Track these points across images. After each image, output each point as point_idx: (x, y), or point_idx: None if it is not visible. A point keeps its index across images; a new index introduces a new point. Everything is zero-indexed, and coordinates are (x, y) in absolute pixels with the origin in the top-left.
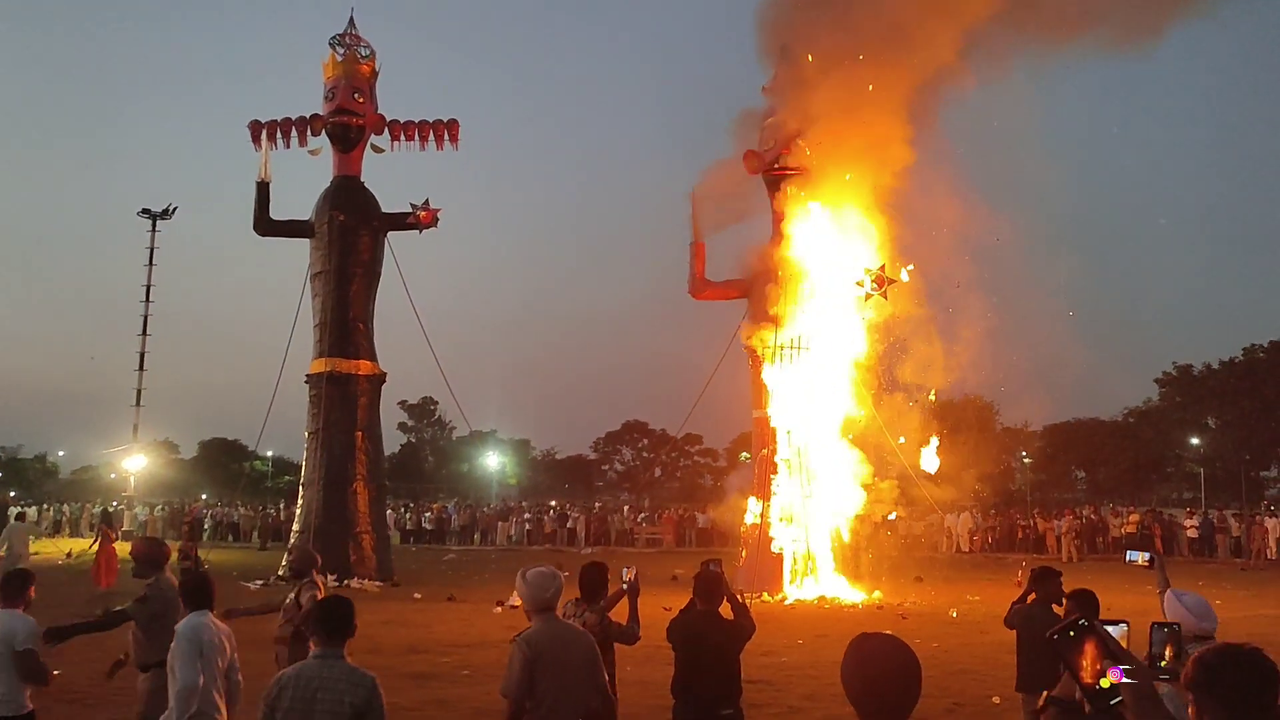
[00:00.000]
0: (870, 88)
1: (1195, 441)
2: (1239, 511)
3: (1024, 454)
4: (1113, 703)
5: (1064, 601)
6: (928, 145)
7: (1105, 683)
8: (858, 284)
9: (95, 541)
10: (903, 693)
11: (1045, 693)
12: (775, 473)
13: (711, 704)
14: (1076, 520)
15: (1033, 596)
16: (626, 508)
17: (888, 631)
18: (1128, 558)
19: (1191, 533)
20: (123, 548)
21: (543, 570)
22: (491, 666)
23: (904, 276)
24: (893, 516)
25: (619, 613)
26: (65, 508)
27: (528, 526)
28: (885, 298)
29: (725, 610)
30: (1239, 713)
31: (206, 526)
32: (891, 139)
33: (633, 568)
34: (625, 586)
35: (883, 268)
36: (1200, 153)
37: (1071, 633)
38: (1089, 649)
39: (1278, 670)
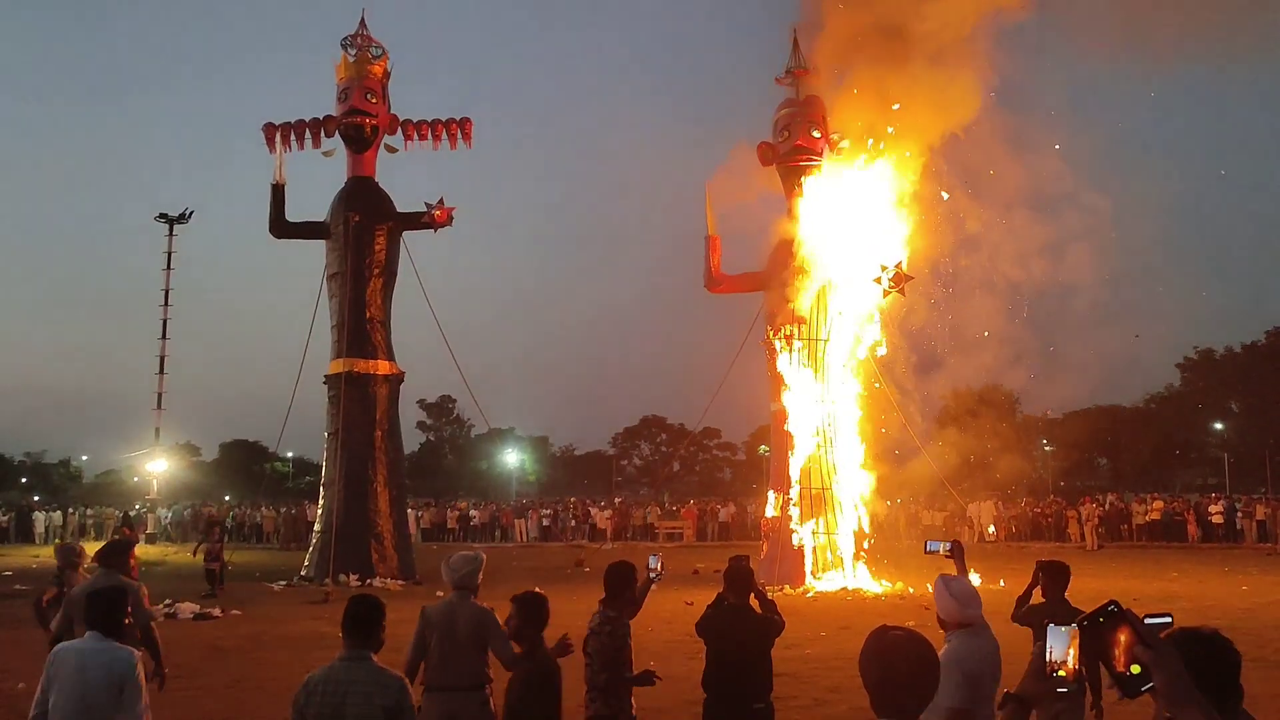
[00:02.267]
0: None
1: (1219, 426)
2: (1264, 496)
3: (1045, 442)
4: (1144, 689)
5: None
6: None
7: (1135, 669)
8: (875, 280)
9: None
10: (919, 685)
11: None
12: (788, 452)
13: (744, 698)
14: (1098, 508)
15: (1040, 591)
16: (650, 504)
17: (910, 623)
18: (927, 548)
19: (1217, 518)
20: (144, 550)
21: (465, 555)
22: None
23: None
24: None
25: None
26: (90, 511)
27: (545, 523)
28: (903, 294)
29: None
30: (1203, 692)
31: (229, 526)
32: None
33: (660, 554)
34: (653, 576)
35: (900, 264)
36: (1216, 133)
37: (1102, 619)
38: (1120, 635)
39: (1236, 651)
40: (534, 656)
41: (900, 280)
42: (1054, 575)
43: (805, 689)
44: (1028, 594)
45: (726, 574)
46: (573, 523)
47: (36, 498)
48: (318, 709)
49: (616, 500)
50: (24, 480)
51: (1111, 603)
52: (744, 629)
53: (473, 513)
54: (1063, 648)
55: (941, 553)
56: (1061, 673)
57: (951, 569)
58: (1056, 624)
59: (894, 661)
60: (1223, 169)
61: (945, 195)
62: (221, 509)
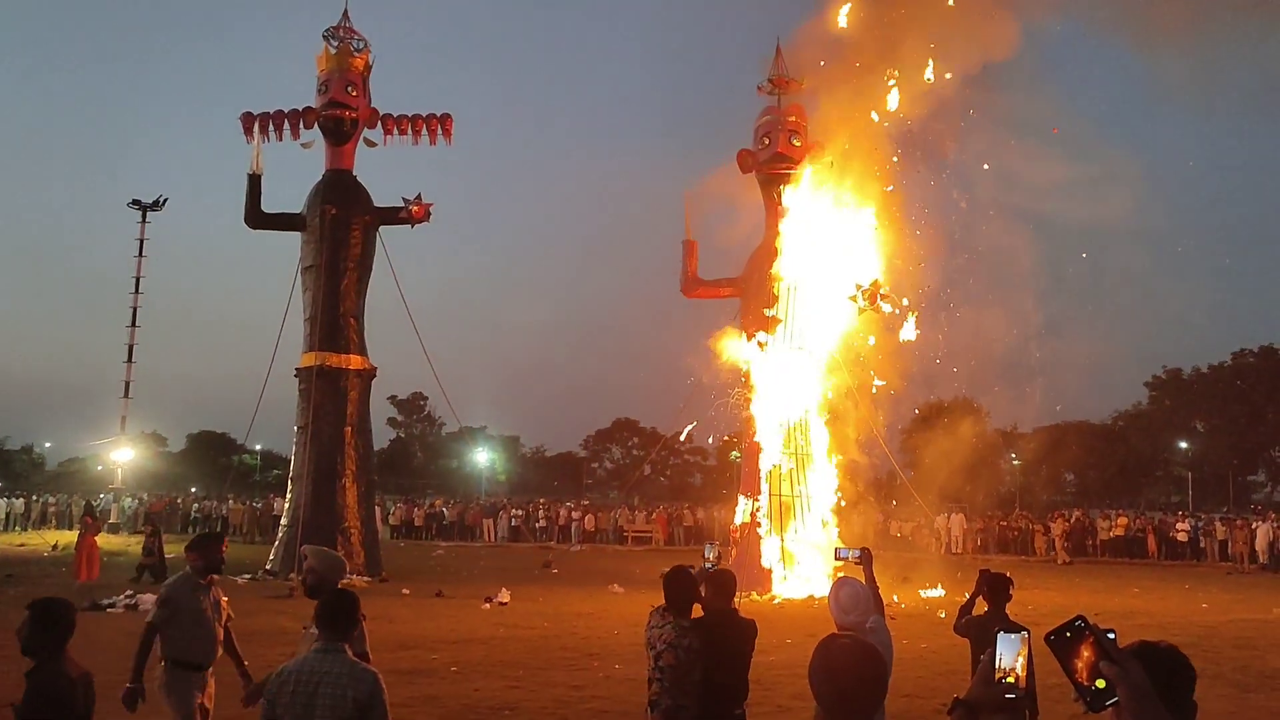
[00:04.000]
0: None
1: (1184, 445)
2: (1226, 516)
3: (1013, 456)
4: (1109, 703)
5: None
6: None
7: (1100, 684)
8: (851, 299)
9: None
10: (865, 693)
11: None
12: (759, 459)
13: (727, 703)
14: (1066, 523)
15: (982, 602)
16: (625, 507)
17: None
18: (837, 555)
19: (1182, 536)
20: (106, 540)
21: (329, 556)
22: (481, 663)
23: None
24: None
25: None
26: (53, 499)
27: (513, 523)
28: (878, 313)
29: (697, 611)
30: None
31: (196, 517)
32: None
33: (716, 543)
34: (709, 568)
35: (875, 283)
36: (1188, 155)
37: (1068, 633)
38: (1084, 649)
39: (1191, 665)
40: (45, 670)
41: (876, 298)
42: (996, 586)
43: (770, 695)
44: (970, 604)
45: (710, 578)
46: (541, 523)
47: None
48: (290, 698)
49: (584, 502)
50: None
51: (1078, 618)
52: (730, 633)
53: (444, 510)
54: (1012, 655)
55: (850, 560)
56: (1010, 679)
57: (859, 574)
58: (1005, 632)
59: (838, 670)
60: (1205, 192)
61: (890, 188)
62: (159, 501)
